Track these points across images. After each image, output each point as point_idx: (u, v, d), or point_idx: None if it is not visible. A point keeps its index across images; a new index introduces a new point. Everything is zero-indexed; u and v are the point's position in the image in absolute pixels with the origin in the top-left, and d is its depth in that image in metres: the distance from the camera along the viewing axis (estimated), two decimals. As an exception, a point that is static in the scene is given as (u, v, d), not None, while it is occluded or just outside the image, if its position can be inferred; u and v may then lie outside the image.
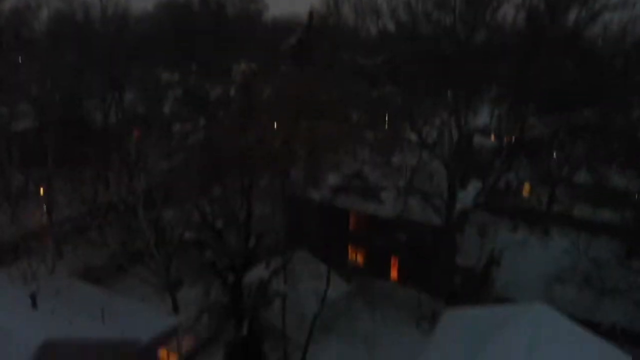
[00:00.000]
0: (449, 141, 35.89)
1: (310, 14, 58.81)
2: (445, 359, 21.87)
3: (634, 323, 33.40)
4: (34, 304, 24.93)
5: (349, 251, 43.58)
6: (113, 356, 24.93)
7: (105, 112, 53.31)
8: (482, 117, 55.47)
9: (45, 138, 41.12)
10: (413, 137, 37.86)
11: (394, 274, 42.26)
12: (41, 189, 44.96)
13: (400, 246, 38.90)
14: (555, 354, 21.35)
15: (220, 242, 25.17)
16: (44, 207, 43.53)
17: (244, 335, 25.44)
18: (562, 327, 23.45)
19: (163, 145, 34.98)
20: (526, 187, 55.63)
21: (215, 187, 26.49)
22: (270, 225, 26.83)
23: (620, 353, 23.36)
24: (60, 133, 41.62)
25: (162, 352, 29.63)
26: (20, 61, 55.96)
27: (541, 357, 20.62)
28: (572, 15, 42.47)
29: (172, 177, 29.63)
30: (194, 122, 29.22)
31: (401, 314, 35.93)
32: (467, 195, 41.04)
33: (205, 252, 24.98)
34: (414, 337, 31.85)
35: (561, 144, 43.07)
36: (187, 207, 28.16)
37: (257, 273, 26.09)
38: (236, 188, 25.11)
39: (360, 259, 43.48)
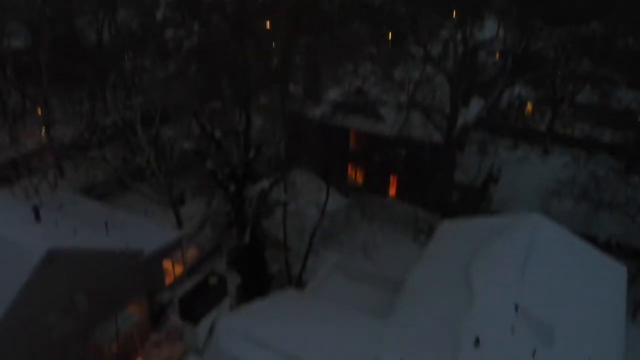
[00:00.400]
0: (454, 55, 34.95)
1: None
2: (441, 266, 22.33)
3: (629, 237, 34.02)
4: (37, 216, 25.04)
5: (349, 170, 43.81)
6: (117, 267, 25.49)
7: (98, 30, 51.87)
8: (488, 31, 53.76)
9: (39, 57, 40.22)
10: (417, 50, 36.86)
11: (392, 191, 42.66)
12: (38, 109, 44.55)
13: (399, 163, 38.93)
14: (551, 262, 21.75)
15: (220, 152, 25.13)
16: (42, 126, 43.31)
17: (246, 243, 25.98)
18: (559, 237, 23.82)
19: (157, 53, 34.06)
20: (528, 107, 55.02)
21: (213, 98, 26.09)
22: (270, 138, 26.69)
23: (615, 263, 23.85)
24: (54, 52, 40.65)
25: (167, 264, 30.45)
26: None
27: (537, 265, 20.99)
28: None
29: (169, 84, 29.04)
30: (187, 28, 28.13)
31: (399, 228, 36.62)
32: (469, 113, 40.61)
33: (206, 161, 24.92)
34: (412, 249, 32.54)
35: (567, 59, 42.00)
36: (186, 119, 27.88)
37: (259, 186, 26.34)
38: (234, 98, 24.70)
39: (359, 177, 43.77)
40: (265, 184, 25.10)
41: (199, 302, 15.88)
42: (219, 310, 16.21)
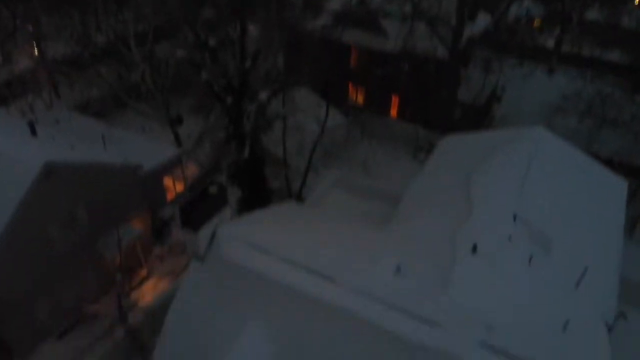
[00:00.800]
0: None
1: None
2: (442, 178, 22.20)
3: (631, 155, 33.76)
4: (33, 131, 24.63)
5: (349, 89, 42.90)
6: (116, 181, 25.36)
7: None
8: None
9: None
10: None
11: (393, 112, 41.98)
12: (30, 27, 43.03)
13: (402, 79, 37.93)
14: (552, 174, 21.55)
15: (215, 62, 24.24)
16: (34, 45, 42.02)
17: (246, 157, 25.72)
18: (561, 150, 23.55)
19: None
20: (536, 23, 53.14)
21: (207, 6, 24.91)
22: (267, 49, 25.65)
23: (616, 177, 23.71)
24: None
25: (167, 181, 30.46)
26: None
27: (538, 177, 20.79)
28: None
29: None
30: None
31: (399, 146, 36.35)
32: (476, 27, 39.07)
33: (201, 72, 24.11)
34: (412, 166, 32.42)
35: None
36: (180, 33, 26.78)
37: (257, 101, 25.72)
38: (228, 5, 23.48)
39: (360, 98, 42.94)
40: (263, 96, 24.43)
41: (199, 210, 15.83)
42: (219, 218, 16.19)
